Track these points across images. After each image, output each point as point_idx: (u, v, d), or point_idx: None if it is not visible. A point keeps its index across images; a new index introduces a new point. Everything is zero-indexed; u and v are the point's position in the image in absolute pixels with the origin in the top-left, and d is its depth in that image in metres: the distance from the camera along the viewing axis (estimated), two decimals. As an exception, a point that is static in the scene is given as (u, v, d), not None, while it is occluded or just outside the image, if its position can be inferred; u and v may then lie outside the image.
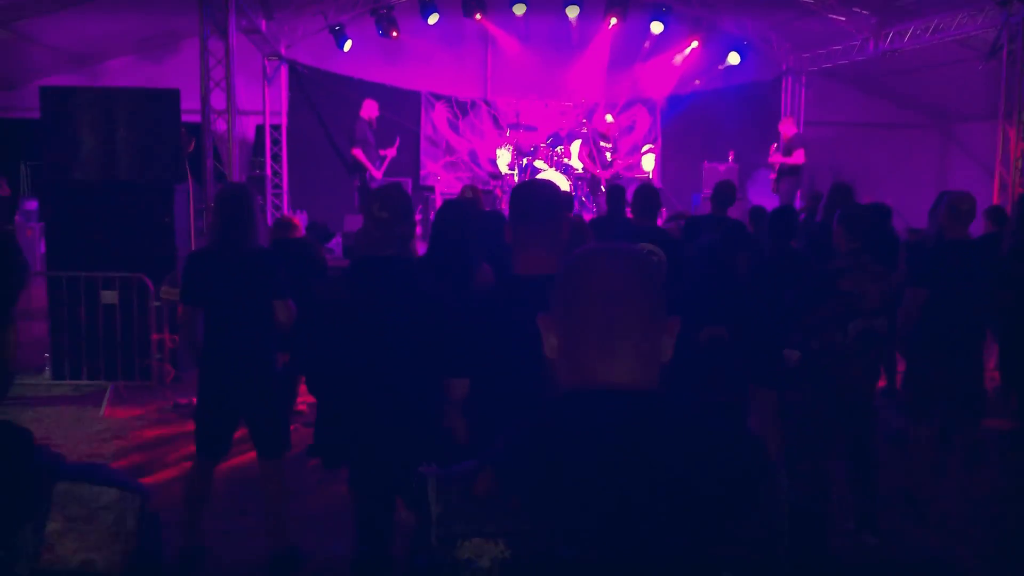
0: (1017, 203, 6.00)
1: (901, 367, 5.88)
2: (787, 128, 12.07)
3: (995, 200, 9.20)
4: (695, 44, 14.11)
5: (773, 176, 12.02)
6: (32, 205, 13.78)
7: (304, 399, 6.56)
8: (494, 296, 2.76)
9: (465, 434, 2.82)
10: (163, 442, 6.27)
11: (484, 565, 1.09)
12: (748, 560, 1.11)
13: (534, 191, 2.75)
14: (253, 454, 4.47)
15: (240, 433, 4.43)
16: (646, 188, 5.90)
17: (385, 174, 11.56)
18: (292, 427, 5.26)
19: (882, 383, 5.11)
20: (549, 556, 1.08)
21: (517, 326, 1.88)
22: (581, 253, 1.33)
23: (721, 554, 1.10)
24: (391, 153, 11.78)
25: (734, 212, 7.34)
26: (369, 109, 11.47)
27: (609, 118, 12.89)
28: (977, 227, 5.22)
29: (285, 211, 12.93)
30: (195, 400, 4.42)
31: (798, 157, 11.47)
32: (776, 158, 11.83)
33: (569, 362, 1.26)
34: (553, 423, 1.17)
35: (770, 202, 10.68)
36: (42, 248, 9.44)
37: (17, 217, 13.85)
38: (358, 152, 11.30)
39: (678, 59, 14.25)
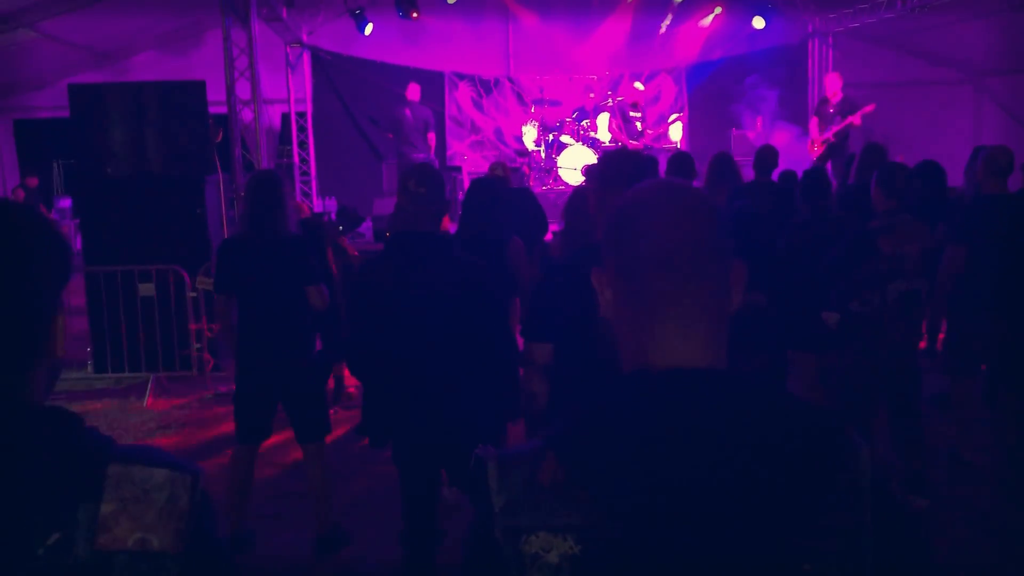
0: None
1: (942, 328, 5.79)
2: (834, 87, 10.70)
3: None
4: (719, 10, 13.90)
5: (817, 152, 10.74)
6: (66, 203, 13.99)
7: (352, 381, 6.62)
8: (577, 261, 2.80)
9: (545, 399, 2.88)
10: (206, 430, 6.36)
11: (552, 561, 1.02)
12: (831, 551, 1.03)
13: (624, 159, 2.86)
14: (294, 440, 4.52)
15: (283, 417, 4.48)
16: (681, 156, 5.87)
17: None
18: (331, 410, 5.30)
19: (922, 344, 5.05)
20: (621, 552, 1.02)
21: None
22: (632, 194, 1.21)
23: (801, 545, 1.02)
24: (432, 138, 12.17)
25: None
26: (412, 92, 11.92)
27: (639, 86, 12.71)
28: (1015, 181, 5.10)
29: (314, 198, 12.99)
30: (234, 387, 4.47)
31: (852, 119, 10.37)
32: (828, 133, 10.52)
33: (630, 331, 1.17)
34: (622, 408, 1.09)
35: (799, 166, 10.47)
36: (78, 245, 9.56)
37: (52, 215, 14.05)
38: (432, 135, 11.90)
39: (705, 22, 13.93)
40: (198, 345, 7.52)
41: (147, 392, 7.13)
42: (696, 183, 6.22)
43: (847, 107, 10.60)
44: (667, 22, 13.75)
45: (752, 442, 1.04)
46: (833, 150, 10.62)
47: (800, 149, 11.62)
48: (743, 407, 1.07)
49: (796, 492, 1.03)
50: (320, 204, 12.30)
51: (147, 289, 7.37)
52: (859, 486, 1.06)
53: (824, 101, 10.86)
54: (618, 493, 1.03)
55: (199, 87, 7.85)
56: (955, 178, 9.26)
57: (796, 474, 1.04)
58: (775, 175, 7.07)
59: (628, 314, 1.17)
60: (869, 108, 10.38)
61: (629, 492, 1.02)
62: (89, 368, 7.72)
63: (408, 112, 11.74)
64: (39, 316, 1.13)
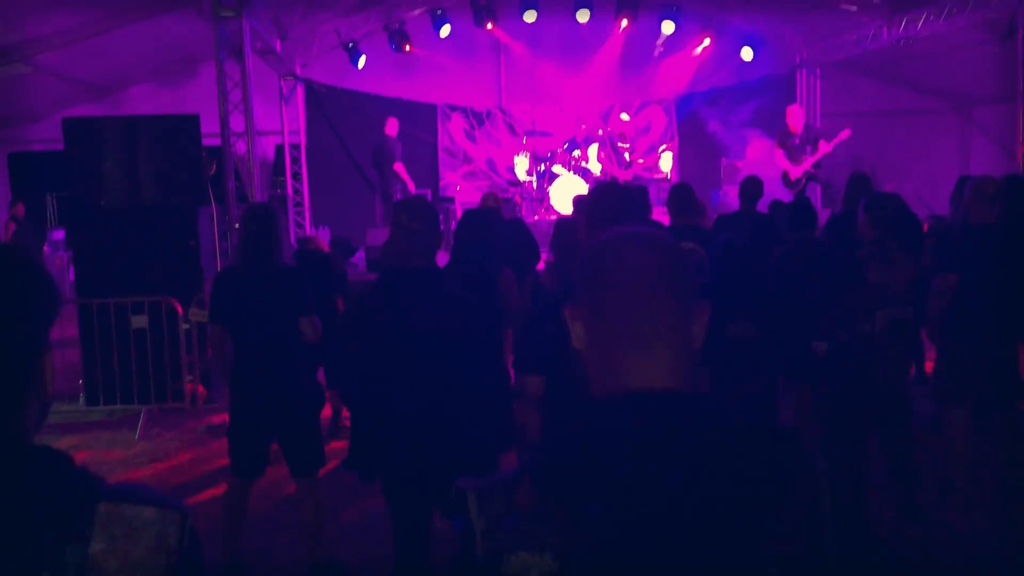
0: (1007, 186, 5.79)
1: (929, 353, 5.83)
2: (797, 119, 10.87)
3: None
4: (707, 42, 14.08)
5: (800, 184, 10.66)
6: (59, 235, 13.99)
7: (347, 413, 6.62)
8: (567, 293, 2.83)
9: (538, 431, 2.90)
10: (199, 463, 6.34)
11: None
12: (793, 555, 1.10)
13: (612, 193, 2.88)
14: (287, 470, 4.51)
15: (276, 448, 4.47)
16: (681, 187, 5.92)
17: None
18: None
19: (911, 369, 5.10)
20: (597, 567, 1.07)
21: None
22: (605, 238, 1.30)
23: (766, 552, 1.09)
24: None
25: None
26: (392, 127, 12.18)
27: (625, 116, 12.87)
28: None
29: (307, 228, 13.04)
30: (228, 420, 4.47)
31: (823, 148, 10.58)
32: (806, 165, 10.64)
33: (599, 359, 1.24)
34: (589, 431, 1.15)
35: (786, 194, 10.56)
36: (71, 276, 9.58)
37: (46, 247, 14.05)
38: (399, 166, 12.01)
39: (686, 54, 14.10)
40: (191, 377, 7.51)
41: (139, 424, 7.11)
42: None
43: (812, 136, 10.74)
44: (661, 40, 13.91)
45: (715, 457, 1.11)
46: (813, 179, 10.78)
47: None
48: (705, 425, 1.15)
49: (759, 502, 1.10)
50: (314, 235, 12.35)
51: (140, 321, 7.38)
52: (818, 494, 1.14)
53: (787, 134, 10.87)
54: (590, 512, 1.08)
55: (193, 121, 7.91)
56: (941, 206, 9.35)
57: (758, 485, 1.11)
58: (762, 204, 7.13)
59: (598, 345, 1.25)
60: (845, 134, 10.50)
61: (600, 510, 1.08)
62: (81, 400, 7.70)
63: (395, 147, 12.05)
64: (28, 355, 1.15)
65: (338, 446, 6.28)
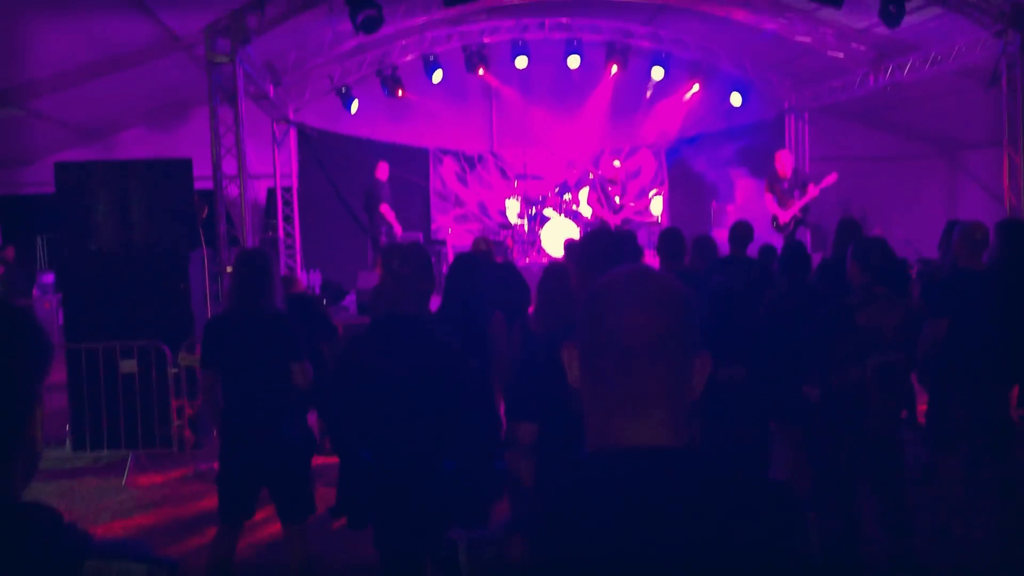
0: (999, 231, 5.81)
1: (921, 398, 5.83)
2: (785, 163, 11.01)
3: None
4: (696, 87, 14.26)
5: (788, 228, 10.76)
6: (49, 278, 13.94)
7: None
8: (559, 339, 2.82)
9: (531, 479, 2.87)
10: (186, 508, 6.25)
11: None
12: None
13: (603, 239, 2.89)
14: (276, 517, 4.45)
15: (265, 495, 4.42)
16: (671, 232, 5.94)
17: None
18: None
19: (902, 414, 5.09)
20: None
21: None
22: (606, 279, 1.27)
23: None
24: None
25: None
26: (383, 171, 12.37)
27: (616, 163, 13.00)
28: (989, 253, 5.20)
29: (299, 271, 13.04)
30: (216, 466, 4.42)
31: (812, 191, 10.74)
32: (794, 209, 10.76)
33: (594, 410, 1.22)
34: (581, 487, 1.14)
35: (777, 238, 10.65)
36: (60, 320, 9.53)
37: (35, 291, 13.99)
38: (385, 208, 12.13)
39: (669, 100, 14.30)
40: (179, 422, 7.44)
41: (126, 470, 7.02)
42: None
43: (800, 180, 10.89)
44: (651, 86, 14.09)
45: (705, 515, 1.10)
46: (802, 223, 10.90)
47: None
48: (698, 482, 1.14)
49: (748, 560, 1.09)
50: (305, 277, 12.35)
51: (129, 366, 7.32)
52: (808, 552, 1.13)
53: (776, 178, 11.01)
54: (580, 568, 1.07)
55: (185, 165, 7.94)
56: (930, 250, 9.41)
57: (748, 544, 1.10)
58: (752, 249, 7.16)
59: (591, 392, 1.23)
60: (831, 178, 10.65)
61: (590, 566, 1.07)
62: (67, 446, 7.61)
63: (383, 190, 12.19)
64: (19, 410, 1.14)
65: (327, 492, 6.22)
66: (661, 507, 1.10)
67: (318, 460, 6.36)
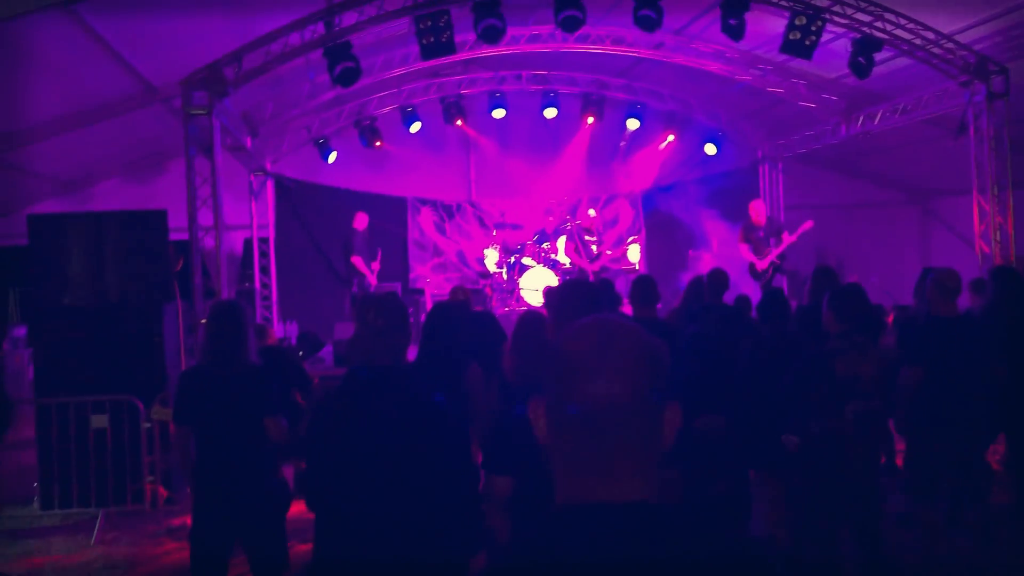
0: (991, 277, 6.01)
1: (899, 444, 5.82)
2: (760, 212, 11.35)
3: (978, 273, 9.28)
4: (671, 138, 14.44)
5: (767, 275, 11.07)
6: (21, 332, 13.74)
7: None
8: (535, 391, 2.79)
9: (507, 533, 2.81)
10: (158, 568, 6.10)
11: None
12: None
13: (579, 289, 2.88)
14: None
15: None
16: (644, 280, 5.94)
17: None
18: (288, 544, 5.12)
19: (881, 460, 5.10)
20: None
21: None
22: (572, 331, 1.25)
23: None
24: (376, 267, 12.51)
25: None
26: (360, 221, 12.34)
27: (592, 212, 13.12)
28: (963, 300, 5.26)
29: (275, 323, 12.93)
30: (189, 522, 4.33)
31: (787, 239, 11.01)
32: (771, 256, 11.01)
33: (560, 461, 1.20)
34: (550, 542, 1.12)
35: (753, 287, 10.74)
36: (30, 375, 9.37)
37: (5, 344, 13.78)
38: (357, 260, 12.09)
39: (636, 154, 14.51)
40: (152, 478, 7.29)
41: (96, 528, 6.85)
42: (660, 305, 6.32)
43: (775, 228, 11.07)
44: (627, 136, 14.28)
45: (676, 571, 1.09)
46: (779, 271, 11.04)
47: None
48: (668, 537, 1.12)
49: None
50: (282, 328, 12.26)
51: (100, 421, 7.19)
52: None
53: (751, 227, 11.22)
54: None
55: (160, 216, 7.90)
56: (905, 296, 9.48)
57: None
58: (728, 297, 7.18)
59: (560, 448, 1.21)
60: (807, 225, 10.81)
61: None
62: (35, 504, 7.43)
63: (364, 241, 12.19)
64: None
65: (303, 548, 6.09)
66: (632, 563, 1.08)
67: (293, 516, 6.26)
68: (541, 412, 1.25)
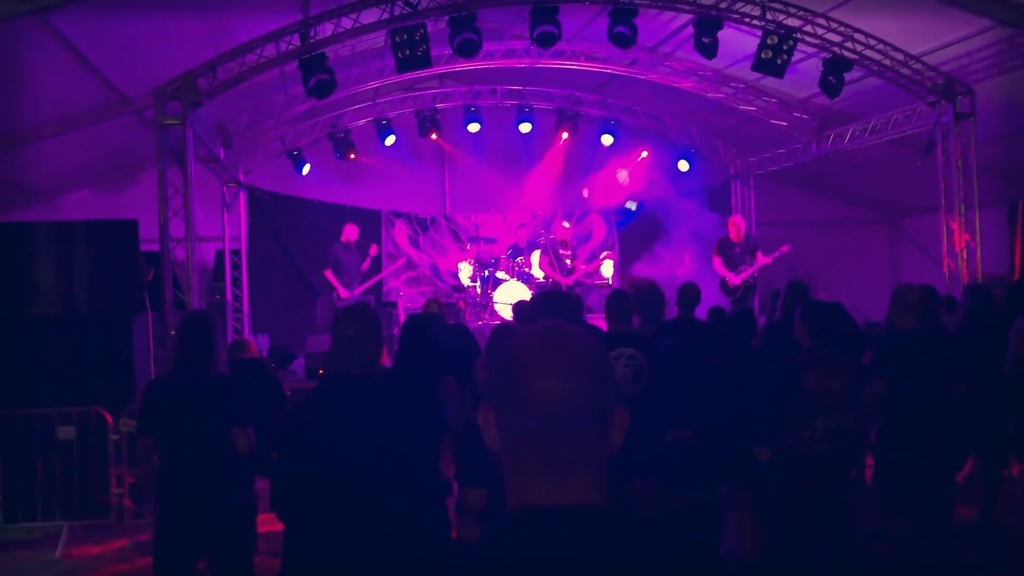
0: (965, 294, 6.14)
1: (869, 459, 5.87)
2: (738, 228, 11.49)
3: (945, 290, 9.41)
4: (645, 154, 14.54)
5: (734, 287, 11.27)
6: (-13, 342, 13.54)
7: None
8: None
9: None
10: (123, 582, 6.01)
11: None
12: None
13: (550, 299, 2.88)
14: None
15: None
16: (618, 294, 5.96)
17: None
18: (256, 559, 5.07)
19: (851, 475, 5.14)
20: None
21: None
22: (520, 337, 1.25)
23: None
24: (372, 251, 12.51)
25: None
26: (349, 233, 12.24)
27: (566, 224, 13.16)
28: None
29: (247, 335, 12.83)
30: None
31: (762, 259, 11.11)
32: (745, 274, 11.16)
33: (509, 466, 1.20)
34: (496, 549, 1.14)
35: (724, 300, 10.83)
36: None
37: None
38: (328, 273, 11.99)
39: (622, 175, 14.57)
40: (119, 490, 7.19)
41: (60, 542, 6.74)
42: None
43: (751, 245, 11.17)
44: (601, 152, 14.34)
45: (626, 572, 1.10)
46: (752, 288, 11.16)
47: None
48: (616, 539, 1.13)
49: None
50: (253, 341, 12.17)
51: (67, 432, 7.09)
52: None
53: (728, 243, 11.35)
54: None
55: (131, 226, 7.83)
56: (876, 313, 9.58)
57: None
58: (702, 311, 7.22)
59: (510, 454, 1.21)
60: (785, 249, 10.96)
61: None
62: (-1, 517, 7.30)
63: (345, 253, 12.09)
64: None
65: (272, 563, 6.03)
66: (584, 566, 1.10)
67: (263, 528, 6.21)
68: (491, 419, 1.24)
